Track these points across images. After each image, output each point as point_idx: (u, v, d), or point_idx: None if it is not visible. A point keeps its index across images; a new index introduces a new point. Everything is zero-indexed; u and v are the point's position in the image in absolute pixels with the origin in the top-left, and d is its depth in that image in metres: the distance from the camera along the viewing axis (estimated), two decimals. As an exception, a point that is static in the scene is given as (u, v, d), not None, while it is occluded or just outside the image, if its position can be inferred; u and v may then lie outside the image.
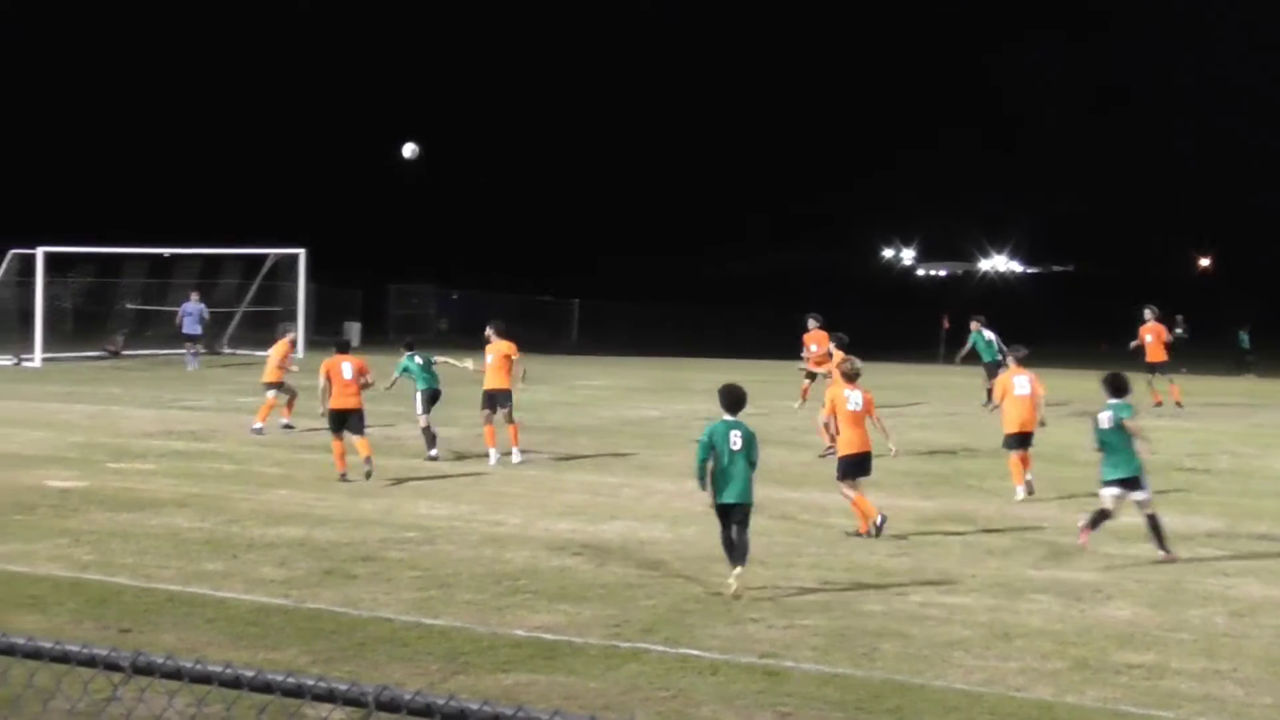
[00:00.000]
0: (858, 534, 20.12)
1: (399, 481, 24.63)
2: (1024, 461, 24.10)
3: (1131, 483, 18.95)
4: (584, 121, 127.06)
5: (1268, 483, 26.57)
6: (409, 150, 29.69)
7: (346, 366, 25.55)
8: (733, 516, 16.74)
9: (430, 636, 14.36)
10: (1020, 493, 23.84)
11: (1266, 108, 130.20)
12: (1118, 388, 19.66)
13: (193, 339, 52.05)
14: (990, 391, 33.69)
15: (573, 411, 37.27)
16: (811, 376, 37.68)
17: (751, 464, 16.82)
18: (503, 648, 13.98)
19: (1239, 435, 34.56)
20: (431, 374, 28.80)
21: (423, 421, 28.17)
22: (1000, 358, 36.24)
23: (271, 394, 31.94)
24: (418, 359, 29.07)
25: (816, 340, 37.68)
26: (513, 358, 27.86)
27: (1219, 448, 31.67)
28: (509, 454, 27.35)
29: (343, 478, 24.55)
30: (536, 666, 13.38)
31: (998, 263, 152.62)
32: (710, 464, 16.62)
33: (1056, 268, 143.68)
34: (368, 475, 24.32)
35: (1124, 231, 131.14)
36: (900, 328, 73.34)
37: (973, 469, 27.65)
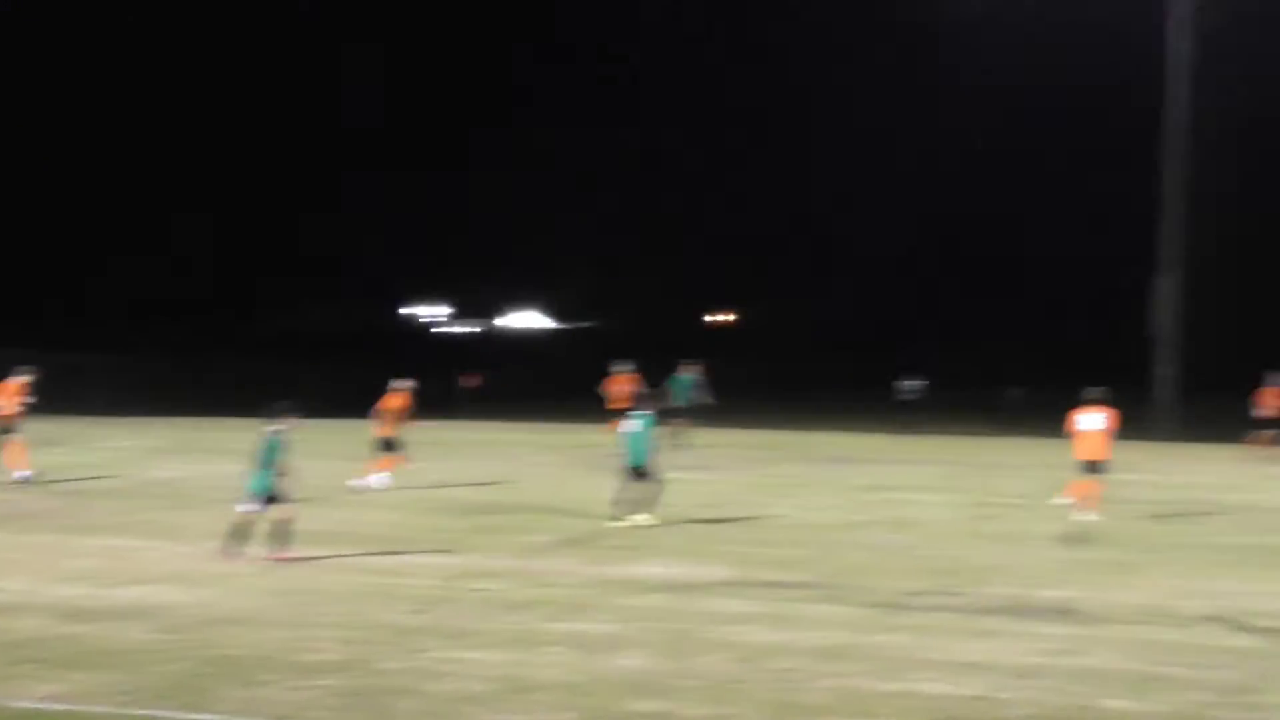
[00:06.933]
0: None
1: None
2: None
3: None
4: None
5: (778, 532, 27.58)
6: None
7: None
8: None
9: (-70, 710, 13.88)
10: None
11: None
12: None
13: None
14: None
15: (92, 473, 36.18)
16: None
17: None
18: (7, 719, 13.60)
19: (752, 485, 35.87)
20: None
21: None
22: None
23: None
24: None
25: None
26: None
27: (730, 498, 32.73)
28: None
29: None
30: (43, 737, 13.07)
31: (527, 319, 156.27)
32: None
33: (584, 324, 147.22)
34: None
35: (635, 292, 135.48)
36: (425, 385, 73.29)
37: (497, 525, 27.88)
